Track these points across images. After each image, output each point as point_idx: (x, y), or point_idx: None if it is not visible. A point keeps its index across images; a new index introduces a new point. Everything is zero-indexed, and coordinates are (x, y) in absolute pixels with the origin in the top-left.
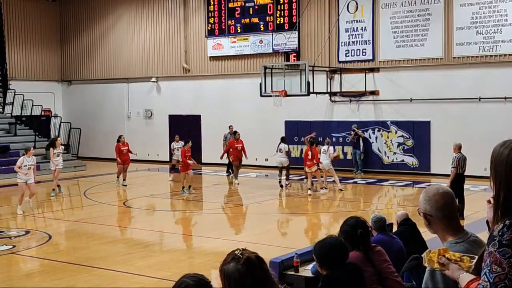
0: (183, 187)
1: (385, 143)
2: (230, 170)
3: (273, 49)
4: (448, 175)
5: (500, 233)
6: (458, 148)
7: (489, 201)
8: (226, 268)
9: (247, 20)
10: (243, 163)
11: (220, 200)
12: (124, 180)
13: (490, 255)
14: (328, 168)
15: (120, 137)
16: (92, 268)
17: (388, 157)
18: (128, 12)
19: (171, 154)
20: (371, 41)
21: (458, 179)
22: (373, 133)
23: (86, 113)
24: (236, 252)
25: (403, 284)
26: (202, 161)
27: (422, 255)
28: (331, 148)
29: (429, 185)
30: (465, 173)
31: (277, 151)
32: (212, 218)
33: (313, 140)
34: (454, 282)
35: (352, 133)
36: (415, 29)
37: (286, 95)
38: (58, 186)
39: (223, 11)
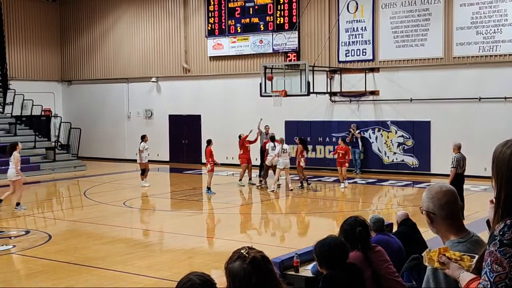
0: (209, 188)
1: (385, 143)
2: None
3: (273, 49)
4: (448, 175)
5: (501, 233)
6: (458, 148)
7: (492, 201)
8: (232, 266)
9: (247, 20)
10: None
11: (220, 200)
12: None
13: (491, 255)
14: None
15: (240, 135)
16: (92, 268)
17: (388, 157)
18: (128, 12)
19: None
20: (371, 41)
21: (458, 179)
22: (373, 133)
23: (86, 113)
24: (242, 251)
25: (404, 284)
26: (202, 161)
27: (423, 254)
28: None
29: (429, 185)
30: (465, 173)
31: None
32: (212, 218)
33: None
34: (454, 281)
35: (349, 132)
36: (415, 29)
37: (286, 95)
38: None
39: (223, 11)
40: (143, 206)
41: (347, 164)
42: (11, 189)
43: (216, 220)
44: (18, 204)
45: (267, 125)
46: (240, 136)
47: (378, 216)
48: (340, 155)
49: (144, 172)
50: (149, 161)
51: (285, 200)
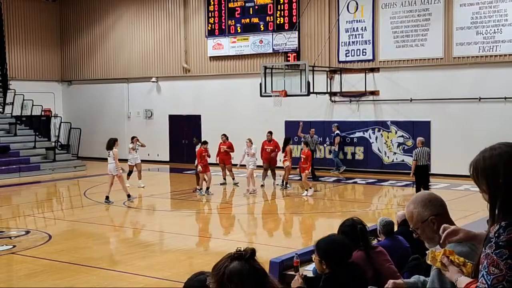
0: (200, 188)
1: (385, 143)
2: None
3: (273, 49)
4: (448, 175)
5: (496, 235)
6: (421, 143)
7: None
8: (231, 267)
9: (247, 20)
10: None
11: (219, 200)
12: (226, 178)
13: (487, 257)
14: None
15: (222, 136)
16: (92, 268)
17: (388, 157)
18: (128, 12)
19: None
20: (371, 41)
21: (422, 171)
22: (373, 133)
23: (86, 113)
24: (236, 251)
25: None
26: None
27: (427, 252)
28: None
29: (429, 185)
30: (465, 173)
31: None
32: (211, 218)
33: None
34: (452, 283)
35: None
36: (415, 29)
37: (286, 95)
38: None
39: (223, 11)
40: (143, 206)
41: (307, 171)
42: (116, 182)
43: (216, 220)
44: (129, 196)
45: (312, 129)
46: (227, 138)
47: (388, 219)
48: (302, 160)
49: (130, 173)
50: (142, 161)
51: (285, 200)
